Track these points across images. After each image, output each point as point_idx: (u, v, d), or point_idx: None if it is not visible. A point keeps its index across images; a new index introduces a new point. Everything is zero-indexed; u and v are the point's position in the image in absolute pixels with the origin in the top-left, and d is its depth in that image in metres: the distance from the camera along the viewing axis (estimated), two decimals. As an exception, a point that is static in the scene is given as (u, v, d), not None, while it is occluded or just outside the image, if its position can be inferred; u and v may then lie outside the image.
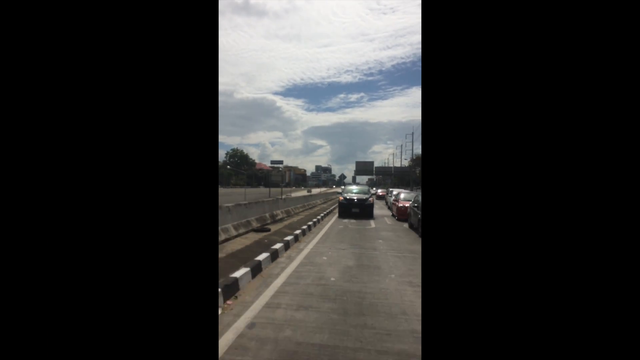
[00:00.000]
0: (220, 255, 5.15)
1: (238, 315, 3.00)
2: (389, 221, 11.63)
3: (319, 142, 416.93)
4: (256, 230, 7.57)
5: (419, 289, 3.83)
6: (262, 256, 4.98)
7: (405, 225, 10.43)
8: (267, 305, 3.27)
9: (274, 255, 5.38)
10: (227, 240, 6.34)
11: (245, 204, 7.92)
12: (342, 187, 15.61)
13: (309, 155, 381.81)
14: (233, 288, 3.62)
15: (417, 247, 6.78)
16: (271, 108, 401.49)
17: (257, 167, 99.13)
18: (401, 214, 11.60)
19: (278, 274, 4.48)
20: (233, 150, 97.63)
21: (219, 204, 7.27)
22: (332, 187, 71.32)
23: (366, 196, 13.01)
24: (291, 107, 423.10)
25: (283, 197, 13.07)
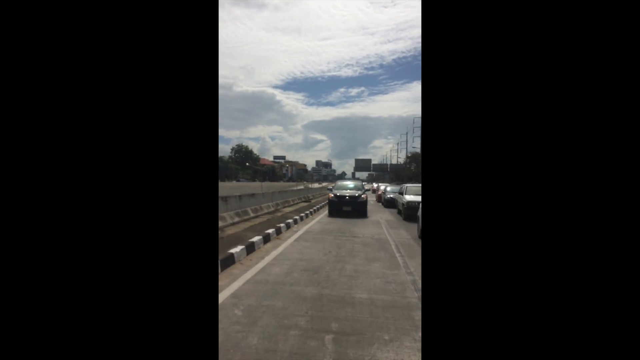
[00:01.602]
0: (297, 207, 13.87)
1: (313, 219, 11.48)
2: (372, 202, 20.29)
3: (319, 136, 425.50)
4: (304, 201, 16.60)
5: (375, 216, 12.34)
6: (314, 208, 13.72)
7: (380, 204, 19.07)
8: (319, 219, 11.80)
9: (317, 209, 14.08)
10: (296, 203, 15.29)
11: (298, 189, 17.21)
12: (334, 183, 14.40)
13: (309, 149, 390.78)
14: (309, 215, 12.19)
15: (379, 208, 15.44)
16: (271, 102, 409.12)
17: (261, 162, 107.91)
18: (378, 198, 20.38)
19: (321, 212, 13.08)
20: (238, 145, 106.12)
21: (289, 188, 16.52)
22: (334, 182, 77.55)
23: (359, 192, 12.31)
24: (291, 101, 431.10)
25: (310, 186, 22.19)
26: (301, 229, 8.64)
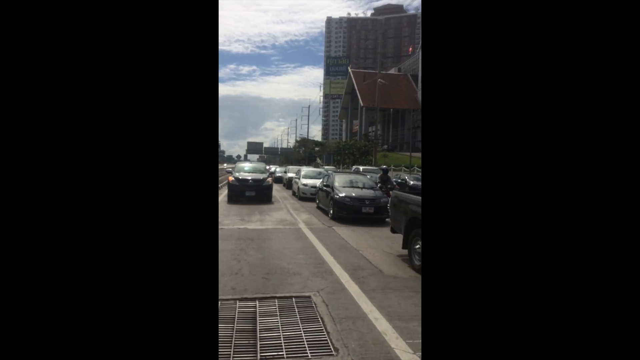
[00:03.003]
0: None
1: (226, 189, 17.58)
2: (265, 180, 27.08)
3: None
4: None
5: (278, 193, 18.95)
6: (223, 183, 19.64)
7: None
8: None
9: (226, 184, 20.02)
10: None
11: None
12: (234, 165, 13.14)
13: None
14: (222, 187, 18.17)
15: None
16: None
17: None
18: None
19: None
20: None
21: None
22: (224, 164, 65.25)
23: (263, 176, 11.69)
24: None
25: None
26: (222, 193, 14.75)
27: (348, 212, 8.03)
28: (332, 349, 2.45)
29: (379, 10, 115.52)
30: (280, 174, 23.36)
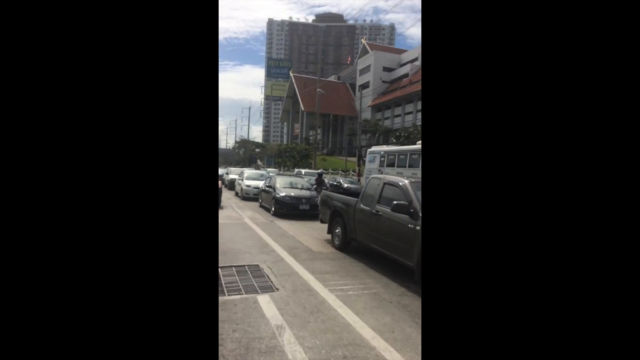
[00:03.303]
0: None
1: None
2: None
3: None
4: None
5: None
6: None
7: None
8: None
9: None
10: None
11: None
12: None
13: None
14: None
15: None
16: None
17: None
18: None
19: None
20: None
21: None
22: None
23: None
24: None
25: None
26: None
27: (287, 209, 9.39)
28: (274, 289, 3.84)
29: (320, 17, 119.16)
30: (222, 176, 24.00)
